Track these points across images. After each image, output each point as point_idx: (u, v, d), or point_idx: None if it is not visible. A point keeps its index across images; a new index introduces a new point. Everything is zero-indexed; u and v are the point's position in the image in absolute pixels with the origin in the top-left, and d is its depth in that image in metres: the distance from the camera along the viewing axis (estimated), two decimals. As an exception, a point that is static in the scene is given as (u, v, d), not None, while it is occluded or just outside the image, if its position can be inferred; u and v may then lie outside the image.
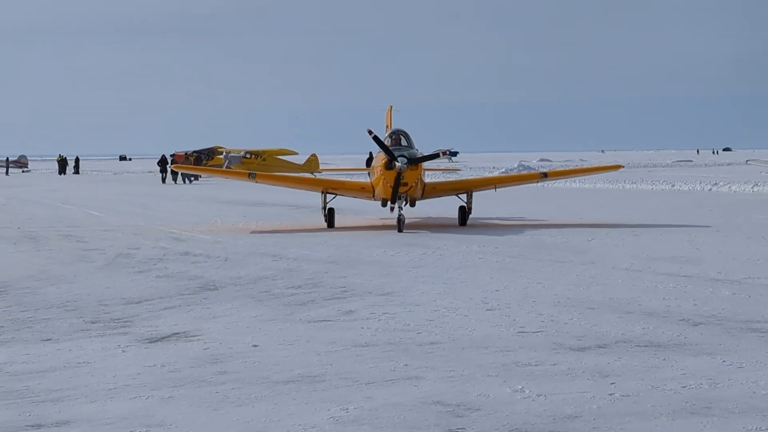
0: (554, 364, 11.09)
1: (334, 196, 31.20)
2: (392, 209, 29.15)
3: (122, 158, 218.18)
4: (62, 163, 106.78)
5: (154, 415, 9.21)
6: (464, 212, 30.78)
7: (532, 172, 44.08)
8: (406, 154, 28.52)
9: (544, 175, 34.04)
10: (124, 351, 12.08)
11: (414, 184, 29.02)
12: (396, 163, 28.19)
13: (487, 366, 11.00)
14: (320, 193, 31.15)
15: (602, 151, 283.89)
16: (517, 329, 13.20)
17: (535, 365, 11.07)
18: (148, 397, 9.82)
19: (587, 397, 9.66)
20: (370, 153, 55.74)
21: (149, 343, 12.60)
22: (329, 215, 30.41)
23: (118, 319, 14.41)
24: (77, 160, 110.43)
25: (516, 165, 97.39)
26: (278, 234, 28.52)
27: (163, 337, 12.94)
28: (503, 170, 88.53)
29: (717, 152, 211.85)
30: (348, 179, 39.64)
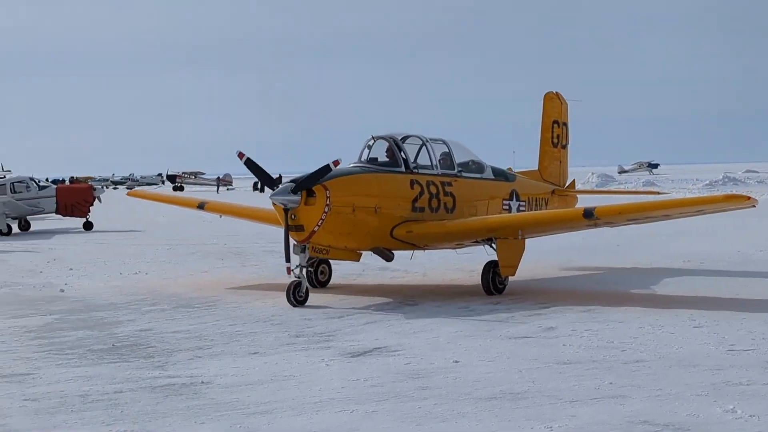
0: (767, 384, 10.64)
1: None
2: (288, 271, 17.65)
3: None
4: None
5: (359, 428, 9.32)
6: (491, 272, 18.73)
7: (575, 209, 20.61)
8: (301, 180, 17.69)
9: (589, 215, 17.91)
10: (328, 365, 12.28)
11: (316, 228, 17.60)
12: (275, 197, 17.68)
13: (695, 385, 10.65)
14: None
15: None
16: (726, 347, 12.75)
17: (747, 384, 10.65)
18: (353, 411, 9.94)
19: (804, 419, 9.22)
20: None
21: (352, 357, 12.78)
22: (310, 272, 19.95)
23: (322, 333, 14.68)
24: (280, 178, 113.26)
25: (721, 177, 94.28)
26: (474, 248, 28.35)
27: (366, 352, 13.09)
28: (707, 183, 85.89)
29: None
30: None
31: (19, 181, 42.17)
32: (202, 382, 11.38)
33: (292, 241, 17.89)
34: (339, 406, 10.15)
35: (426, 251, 21.02)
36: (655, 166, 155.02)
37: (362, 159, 19.12)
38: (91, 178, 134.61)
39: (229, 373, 11.90)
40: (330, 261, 20.28)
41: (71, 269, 25.06)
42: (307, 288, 17.70)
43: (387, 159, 19.25)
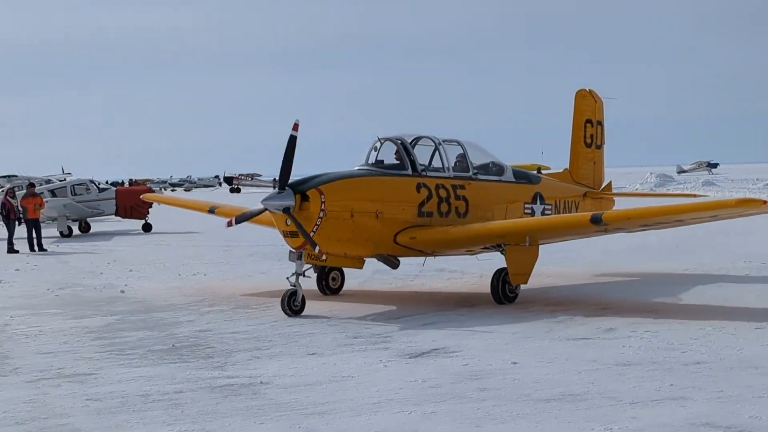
0: (832, 387, 10.49)
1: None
2: (229, 224, 18.05)
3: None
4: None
5: (417, 429, 9.32)
6: (500, 280, 17.90)
7: (582, 214, 19.90)
8: (300, 182, 17.01)
9: (597, 221, 16.98)
10: (386, 366, 12.29)
11: (311, 232, 16.81)
12: (268, 201, 16.99)
13: (758, 387, 10.52)
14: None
15: None
16: (789, 349, 12.58)
17: (811, 387, 10.50)
18: (411, 412, 9.94)
19: None
20: None
21: (410, 358, 12.77)
22: (320, 279, 19.87)
23: (379, 334, 14.70)
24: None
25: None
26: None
27: (423, 353, 13.09)
28: (767, 183, 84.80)
29: None
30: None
31: (79, 184, 42.74)
32: (261, 383, 11.45)
33: (288, 248, 17.44)
34: (397, 406, 10.16)
35: (438, 258, 19.90)
36: (715, 165, 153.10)
37: (369, 161, 18.26)
38: (149, 180, 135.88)
39: (287, 373, 11.96)
40: (342, 268, 19.50)
41: (131, 270, 25.34)
42: (303, 297, 16.94)
43: (394, 161, 18.35)
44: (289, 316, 16.65)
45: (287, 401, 10.53)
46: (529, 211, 20.66)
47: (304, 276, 17.29)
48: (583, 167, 23.91)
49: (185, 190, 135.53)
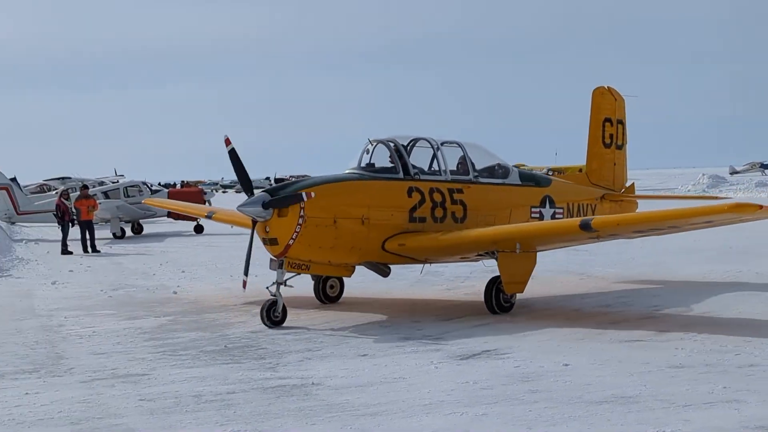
0: None
1: None
2: (244, 284, 16.81)
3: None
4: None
5: (468, 431, 9.31)
6: (494, 288, 17.15)
7: (571, 220, 18.25)
8: (277, 189, 16.61)
9: (586, 227, 16.00)
10: (437, 367, 12.29)
11: (290, 242, 16.20)
12: (244, 208, 16.53)
13: (814, 390, 10.39)
14: None
15: None
16: None
17: None
18: (463, 413, 9.93)
19: None
20: None
21: (461, 360, 12.76)
22: (317, 287, 19.36)
23: (430, 335, 14.70)
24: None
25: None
26: (581, 251, 28.02)
27: (474, 354, 13.07)
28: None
29: None
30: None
31: (132, 186, 43.21)
32: (313, 384, 11.50)
33: (269, 256, 16.85)
34: (449, 408, 10.16)
35: (432, 265, 19.17)
36: (767, 166, 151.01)
37: (361, 164, 17.40)
38: (201, 182, 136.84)
39: (339, 374, 12.00)
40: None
41: (183, 272, 25.55)
42: (284, 307, 16.24)
43: (387, 164, 17.47)
44: (269, 327, 15.95)
45: (339, 402, 10.57)
46: (537, 215, 19.78)
47: (285, 285, 16.55)
48: (602, 168, 22.85)
49: (236, 192, 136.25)
